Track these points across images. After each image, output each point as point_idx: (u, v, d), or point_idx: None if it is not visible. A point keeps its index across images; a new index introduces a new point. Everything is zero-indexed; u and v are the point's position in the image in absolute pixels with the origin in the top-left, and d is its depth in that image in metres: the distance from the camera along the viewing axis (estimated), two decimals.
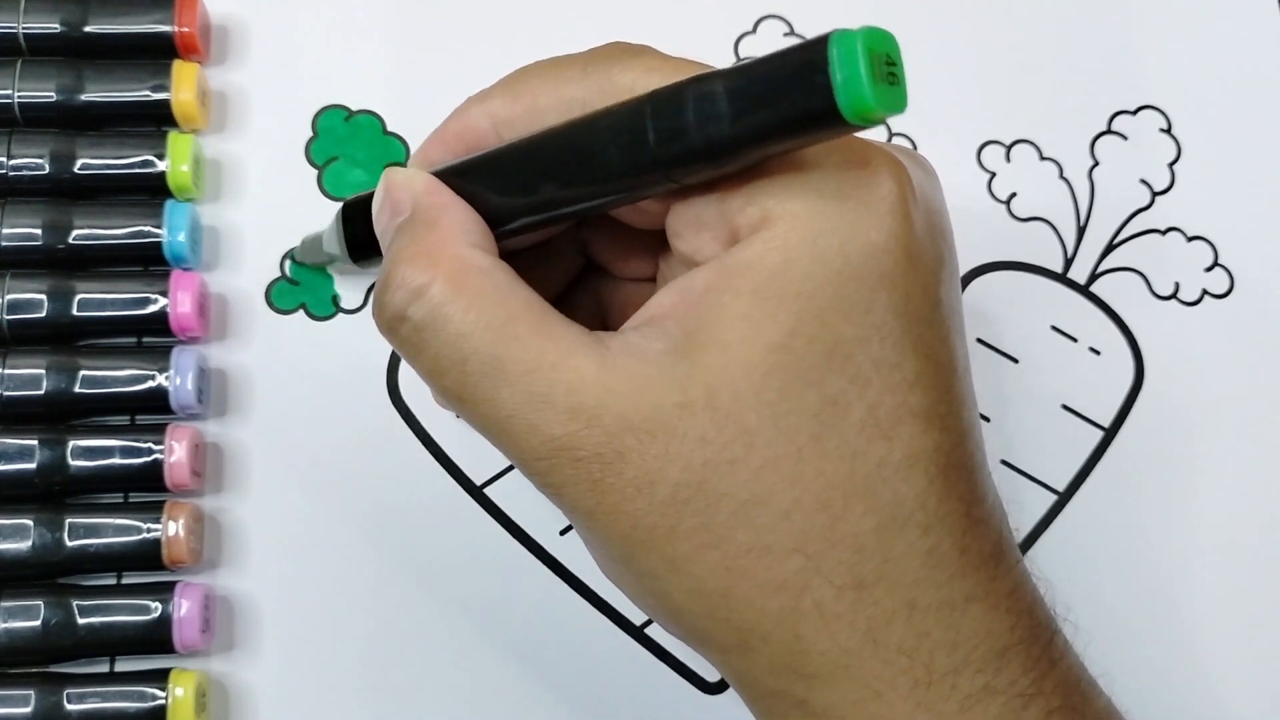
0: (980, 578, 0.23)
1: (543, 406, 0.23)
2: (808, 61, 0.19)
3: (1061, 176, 0.39)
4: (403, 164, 0.37)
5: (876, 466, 0.22)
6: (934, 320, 0.23)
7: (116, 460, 0.32)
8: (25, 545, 0.32)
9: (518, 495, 0.35)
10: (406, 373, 0.35)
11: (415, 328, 0.24)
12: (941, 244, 0.24)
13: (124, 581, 0.33)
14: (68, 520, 0.32)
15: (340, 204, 0.31)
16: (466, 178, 0.26)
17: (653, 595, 0.24)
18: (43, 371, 0.33)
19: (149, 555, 0.32)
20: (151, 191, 0.35)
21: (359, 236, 0.29)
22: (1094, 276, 0.38)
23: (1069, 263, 0.38)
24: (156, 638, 0.31)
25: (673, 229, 0.24)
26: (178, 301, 0.33)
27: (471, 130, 0.27)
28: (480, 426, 0.24)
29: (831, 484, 0.22)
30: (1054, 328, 0.38)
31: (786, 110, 0.20)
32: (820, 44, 0.19)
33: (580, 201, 0.24)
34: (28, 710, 0.30)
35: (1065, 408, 0.37)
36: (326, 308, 0.36)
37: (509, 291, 0.24)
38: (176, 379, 0.33)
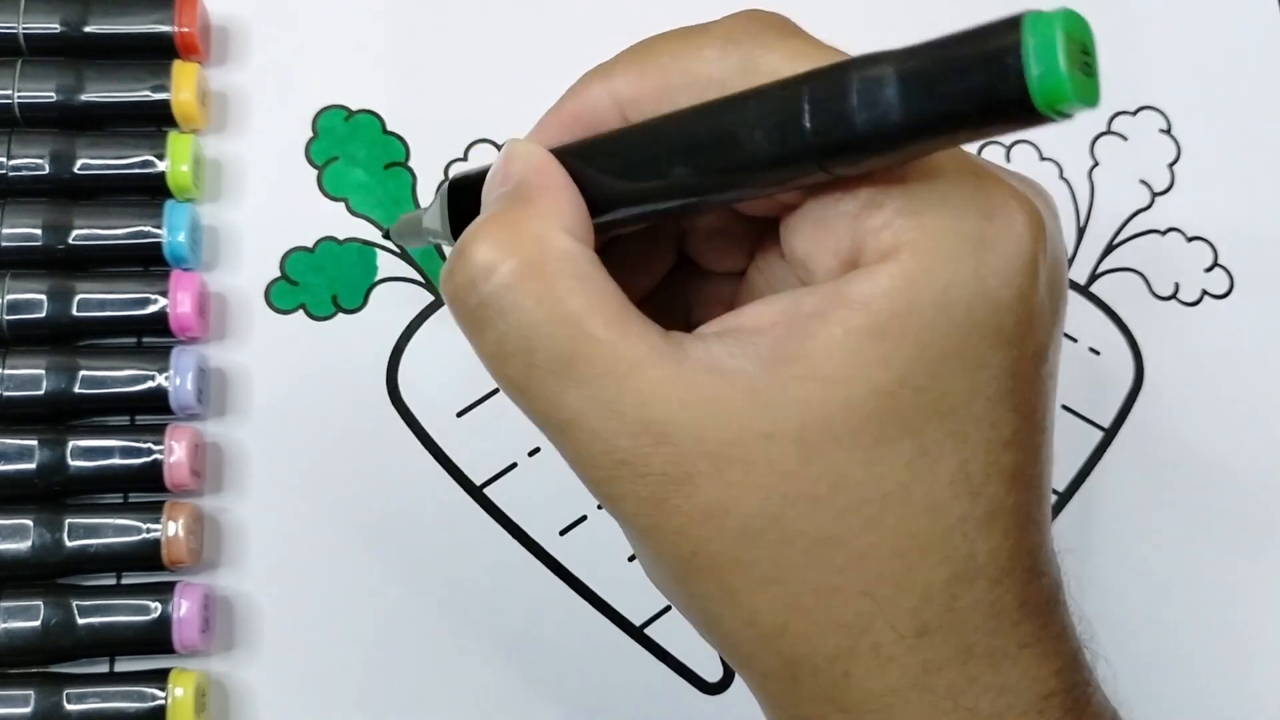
0: (1034, 625, 0.22)
1: (610, 415, 0.21)
2: (997, 44, 0.18)
3: (1061, 177, 0.39)
4: (403, 163, 0.37)
5: (958, 520, 0.21)
6: (1037, 379, 0.22)
7: (116, 460, 0.32)
8: (25, 545, 0.32)
9: (518, 495, 0.35)
10: (406, 373, 0.35)
11: (482, 303, 0.22)
12: (1059, 302, 0.23)
13: (124, 582, 0.33)
14: (67, 520, 0.32)
15: (447, 181, 0.29)
16: (587, 159, 0.24)
17: (701, 615, 0.23)
18: (43, 371, 0.33)
19: (149, 555, 0.32)
20: (151, 192, 0.35)
21: (465, 215, 0.27)
22: (1094, 277, 0.38)
23: (1069, 263, 0.38)
24: (156, 638, 0.31)
25: (793, 226, 0.23)
26: (177, 302, 0.33)
27: (591, 110, 0.25)
28: (539, 423, 0.23)
29: (912, 534, 0.21)
30: None
31: (968, 98, 0.18)
32: (1012, 26, 0.18)
33: (714, 190, 0.22)
34: (28, 710, 0.30)
35: (1065, 408, 0.37)
36: (326, 308, 0.36)
37: (589, 283, 0.22)
38: (176, 379, 0.33)
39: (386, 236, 0.35)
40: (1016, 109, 0.18)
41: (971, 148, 0.23)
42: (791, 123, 0.20)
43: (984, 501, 0.22)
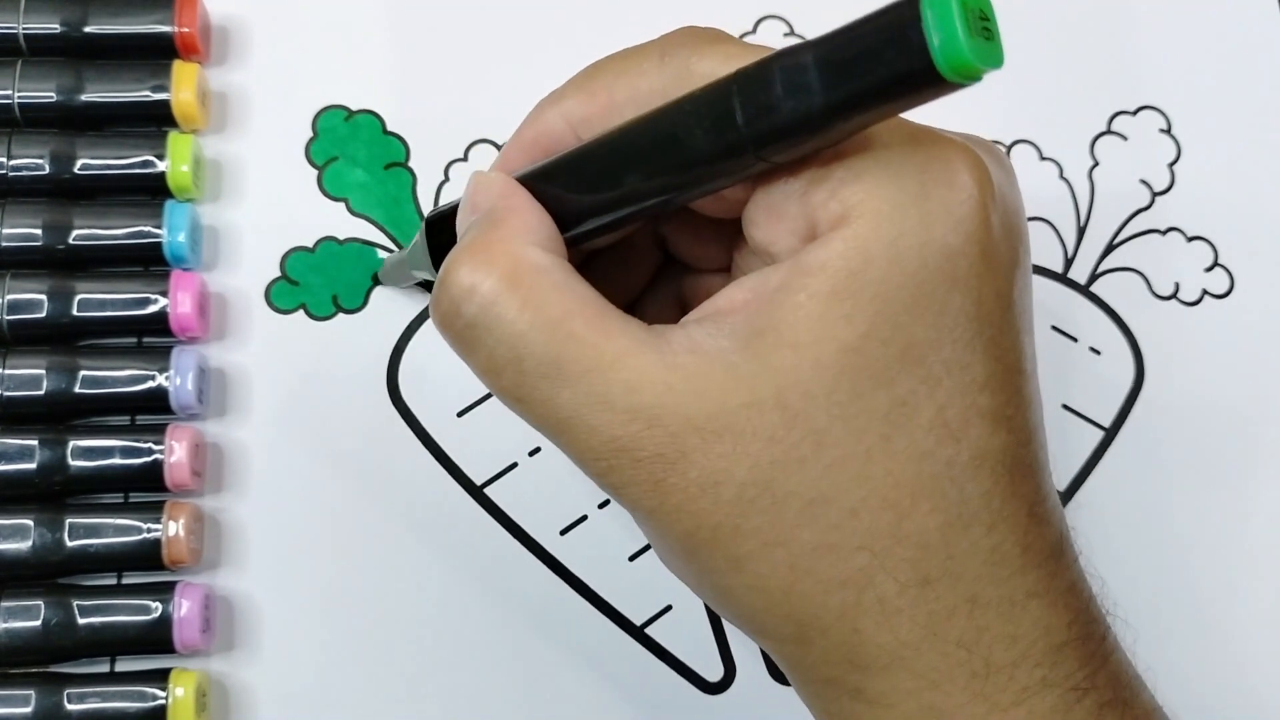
0: (1041, 574, 0.23)
1: (601, 407, 0.22)
2: (899, 21, 0.19)
3: (1061, 177, 0.39)
4: (403, 163, 0.37)
5: (944, 466, 0.22)
6: (1005, 322, 0.23)
7: (116, 460, 0.32)
8: (25, 545, 0.32)
9: (518, 495, 0.35)
10: (407, 373, 0.35)
11: (468, 325, 0.23)
12: (1017, 245, 0.24)
13: (124, 581, 0.33)
14: (68, 520, 0.32)
15: (424, 220, 0.30)
16: (548, 180, 0.25)
17: (713, 589, 0.24)
18: (43, 371, 0.33)
19: (149, 555, 0.32)
20: (151, 192, 0.35)
21: (444, 249, 0.28)
22: (1094, 276, 0.38)
23: (1069, 263, 0.38)
24: (157, 638, 0.31)
25: (750, 217, 0.24)
26: (178, 302, 0.33)
27: (548, 134, 0.26)
28: (538, 426, 0.24)
29: (899, 483, 0.22)
30: (1054, 328, 0.38)
31: (880, 74, 0.19)
32: (912, 2, 0.19)
33: (667, 192, 0.23)
34: (28, 710, 0.30)
35: (1065, 408, 0.37)
36: (326, 308, 0.36)
37: (565, 289, 0.23)
38: (176, 379, 0.33)
39: (376, 280, 0.36)
40: (925, 79, 0.19)
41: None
42: (725, 118, 0.21)
43: (967, 446, 0.22)
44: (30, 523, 0.32)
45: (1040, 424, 0.24)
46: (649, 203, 0.24)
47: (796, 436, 0.22)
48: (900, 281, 0.22)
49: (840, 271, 0.22)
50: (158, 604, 0.31)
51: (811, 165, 0.22)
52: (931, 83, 0.19)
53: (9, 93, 0.34)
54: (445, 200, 0.37)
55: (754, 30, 0.39)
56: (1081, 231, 0.39)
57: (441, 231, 0.29)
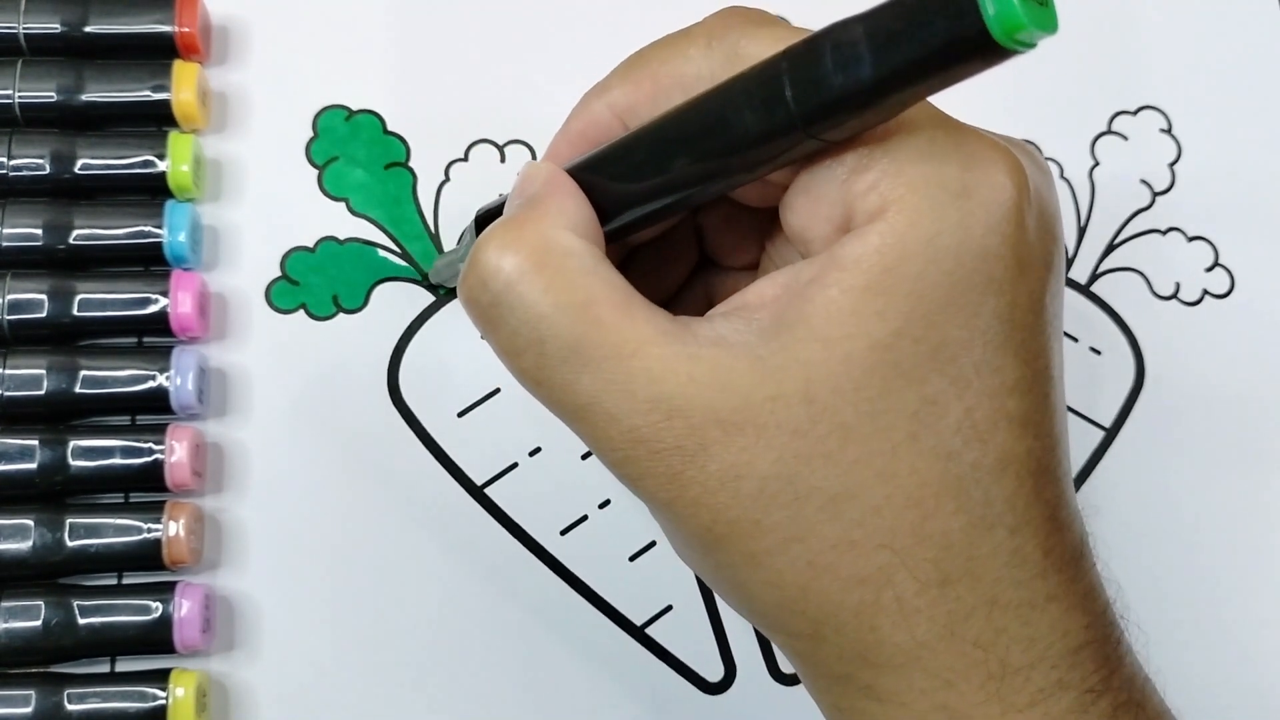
0: (1061, 578, 0.23)
1: (622, 395, 0.22)
2: None
3: (1062, 176, 0.39)
4: (403, 163, 0.37)
5: (970, 468, 0.22)
6: (1037, 327, 0.23)
7: (117, 460, 0.32)
8: (26, 545, 0.32)
9: (518, 495, 0.35)
10: (407, 373, 0.35)
11: (493, 303, 0.23)
12: (1052, 249, 0.23)
13: (124, 581, 0.33)
14: (68, 520, 0.32)
15: (474, 214, 0.30)
16: (595, 170, 0.25)
17: (728, 584, 0.24)
18: (43, 371, 0.33)
19: (149, 555, 0.32)
20: (152, 191, 0.35)
21: None
22: (1095, 276, 0.38)
23: (1069, 263, 0.38)
24: (157, 638, 0.31)
25: (789, 203, 0.24)
26: (178, 301, 0.33)
27: (595, 125, 0.26)
28: (556, 412, 0.24)
29: (924, 482, 0.22)
30: None
31: (932, 41, 0.19)
32: None
33: (713, 176, 0.23)
34: (28, 710, 0.30)
35: (1066, 408, 0.37)
36: (326, 308, 0.36)
37: (592, 273, 0.23)
38: (177, 379, 0.33)
39: (425, 278, 0.36)
40: (980, 46, 0.19)
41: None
42: (775, 96, 0.21)
43: (994, 448, 0.22)
44: (30, 523, 0.32)
45: (1065, 431, 0.24)
46: (695, 189, 0.24)
47: (823, 431, 0.22)
48: (935, 280, 0.21)
49: (875, 266, 0.22)
50: (158, 604, 0.31)
51: (854, 151, 0.22)
52: (985, 49, 0.19)
53: (9, 93, 0.34)
54: (445, 200, 0.37)
55: None
56: (1082, 231, 0.39)
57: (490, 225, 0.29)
